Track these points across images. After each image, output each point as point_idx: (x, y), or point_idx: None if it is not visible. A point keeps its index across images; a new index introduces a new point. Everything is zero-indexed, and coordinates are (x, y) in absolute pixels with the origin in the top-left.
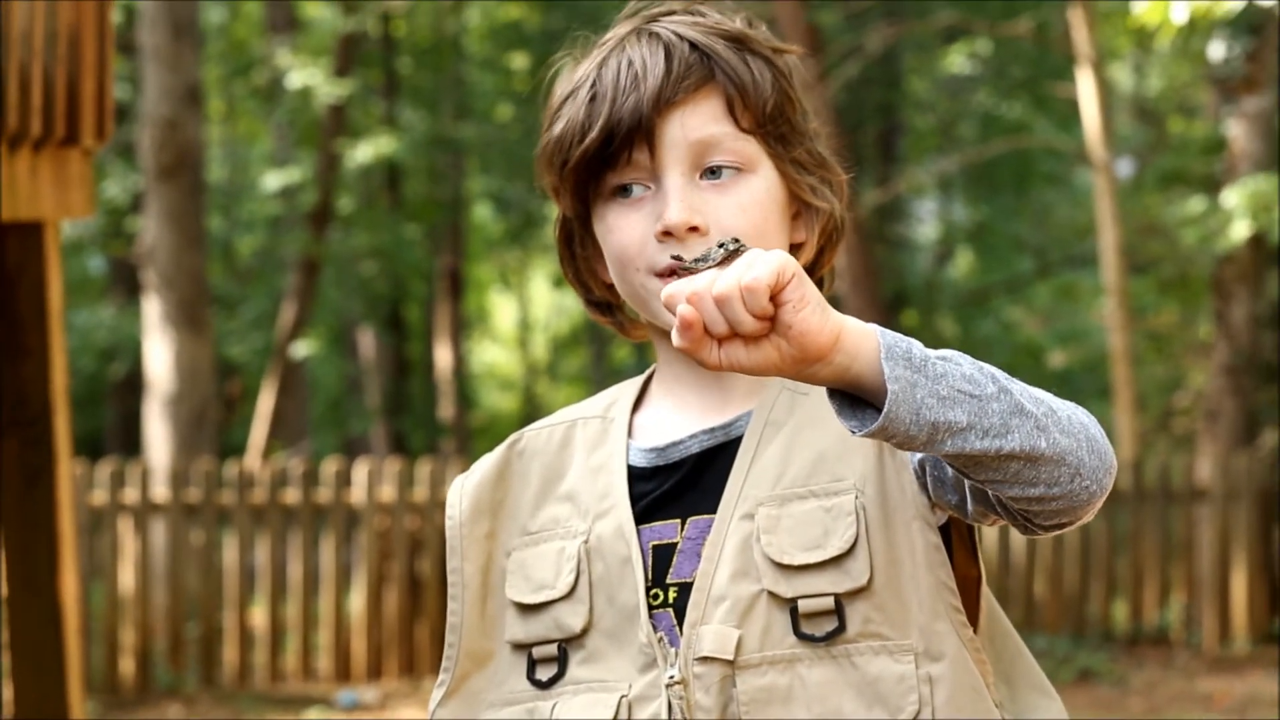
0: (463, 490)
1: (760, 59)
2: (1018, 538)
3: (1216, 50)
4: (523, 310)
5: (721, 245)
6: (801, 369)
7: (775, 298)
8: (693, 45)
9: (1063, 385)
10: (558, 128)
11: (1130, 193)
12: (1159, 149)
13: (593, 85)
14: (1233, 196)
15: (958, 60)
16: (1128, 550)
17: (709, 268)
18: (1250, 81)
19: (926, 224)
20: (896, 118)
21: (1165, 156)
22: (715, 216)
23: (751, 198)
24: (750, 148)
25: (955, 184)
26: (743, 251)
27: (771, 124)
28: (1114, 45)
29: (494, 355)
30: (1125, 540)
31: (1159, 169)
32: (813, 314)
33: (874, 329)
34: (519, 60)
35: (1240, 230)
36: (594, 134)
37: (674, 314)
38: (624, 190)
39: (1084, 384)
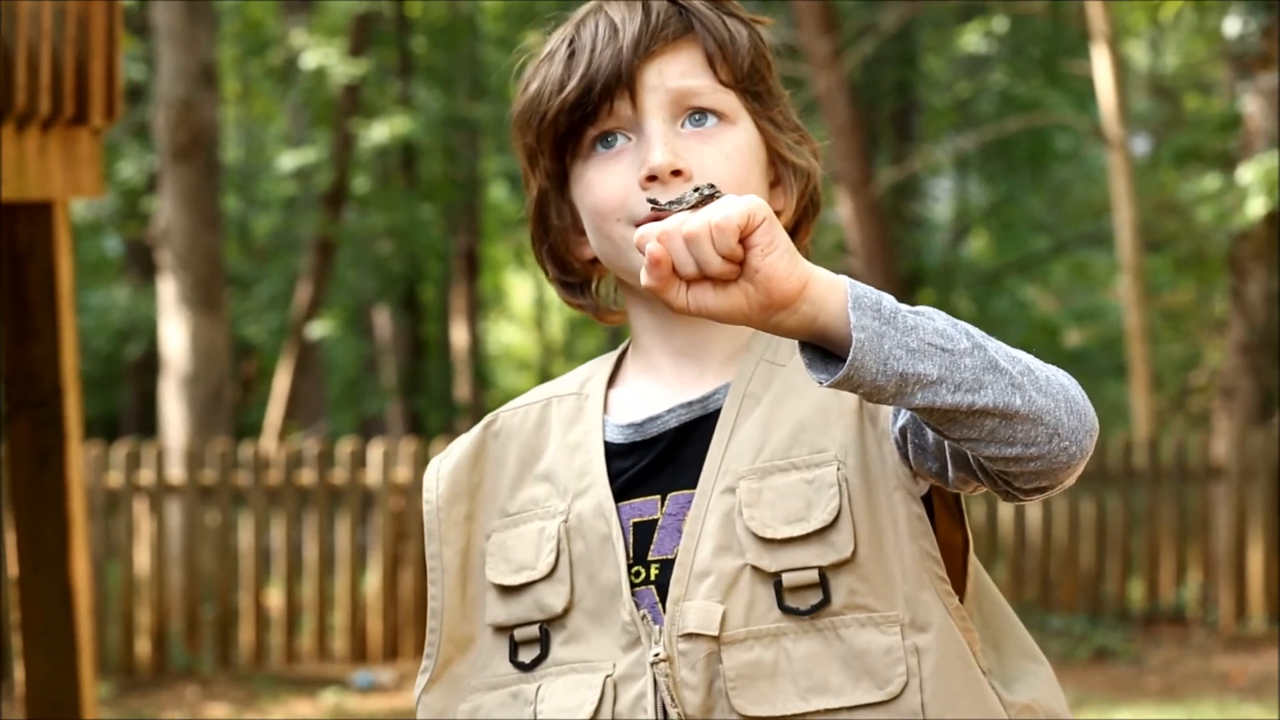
0: (439, 474)
1: (736, 19)
2: (1033, 515)
3: (1233, 26)
4: (539, 290)
5: (696, 190)
6: (767, 316)
7: (744, 240)
8: (670, 1)
9: (1078, 363)
10: (534, 86)
11: (1146, 170)
12: (1175, 126)
13: (570, 44)
14: (1248, 173)
15: (973, 38)
16: (1144, 529)
17: (682, 209)
18: (1266, 58)
19: (942, 202)
20: (912, 96)
21: (1181, 133)
22: (699, 163)
23: (734, 146)
24: (730, 100)
25: (971, 162)
26: (717, 196)
27: (749, 80)
28: (1129, 22)
29: (510, 335)
30: (1141, 519)
31: (1175, 146)
32: (780, 259)
33: (844, 280)
34: (534, 39)
35: (1256, 207)
36: (573, 84)
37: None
38: (605, 141)
39: (1100, 362)
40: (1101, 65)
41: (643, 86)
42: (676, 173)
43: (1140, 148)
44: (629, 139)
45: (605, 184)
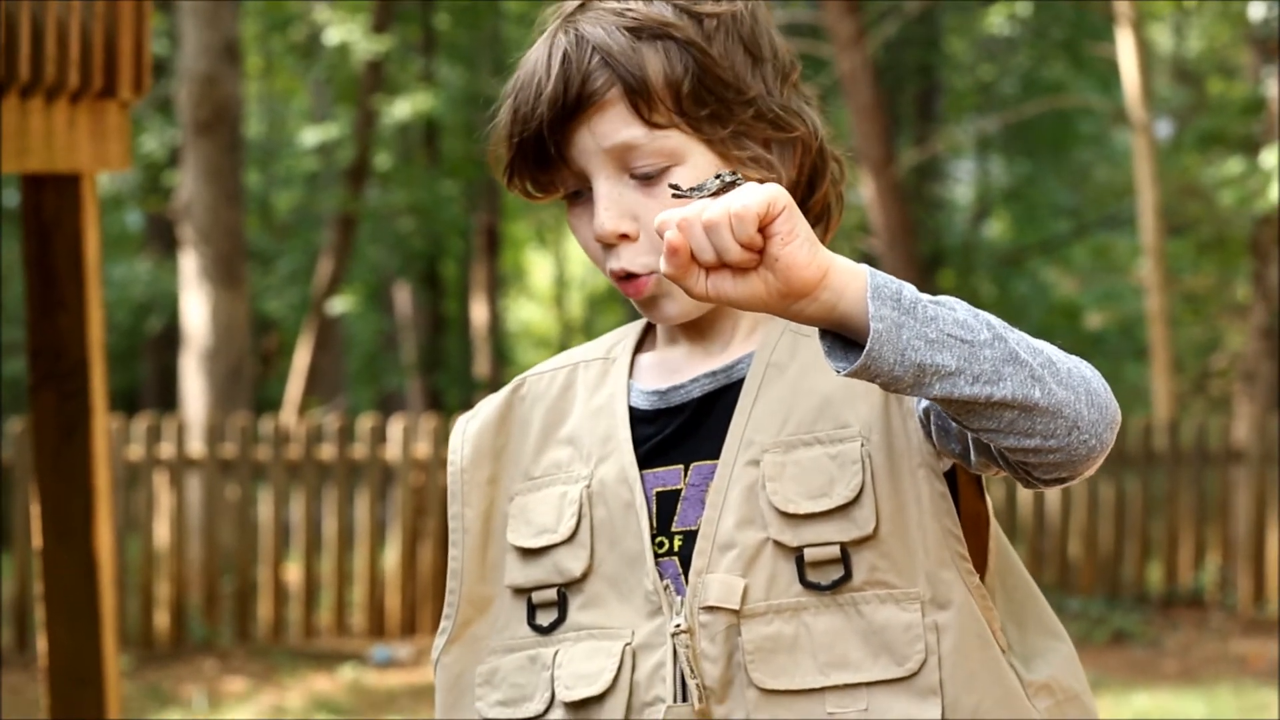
0: (465, 435)
1: (675, 43)
2: (1053, 498)
3: (1256, 10)
4: (559, 268)
5: (718, 176)
6: (787, 303)
7: (764, 229)
8: (594, 48)
9: (1099, 346)
10: (495, 135)
11: (1169, 154)
12: (1198, 110)
13: (515, 96)
14: (1271, 158)
15: (997, 20)
16: (1163, 512)
17: (704, 197)
18: None
19: (964, 184)
20: (935, 78)
21: (1204, 117)
22: (647, 218)
23: None
24: (670, 141)
25: (993, 144)
26: (738, 184)
27: (694, 107)
28: (1153, 5)
29: (530, 312)
30: (1161, 502)
31: (1198, 130)
32: (800, 248)
33: (864, 269)
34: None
35: (1278, 192)
36: (514, 152)
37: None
38: (572, 193)
39: (1120, 345)
40: (1125, 48)
41: (575, 153)
42: (623, 236)
43: (1163, 131)
44: (589, 191)
45: (579, 233)
